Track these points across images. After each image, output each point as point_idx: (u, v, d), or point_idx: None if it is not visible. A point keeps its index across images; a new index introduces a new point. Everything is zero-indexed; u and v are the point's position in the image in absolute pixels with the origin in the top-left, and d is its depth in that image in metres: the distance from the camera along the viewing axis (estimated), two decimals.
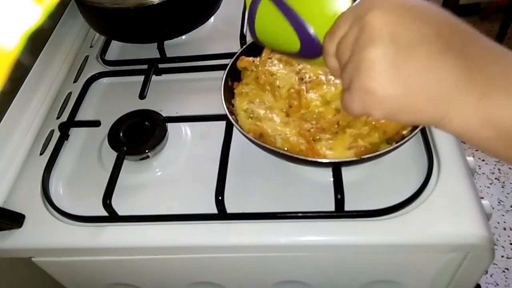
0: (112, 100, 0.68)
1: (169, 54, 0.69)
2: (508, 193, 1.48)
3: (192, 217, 0.50)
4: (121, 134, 0.57)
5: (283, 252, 0.51)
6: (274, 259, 0.53)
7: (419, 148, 0.53)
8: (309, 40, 0.35)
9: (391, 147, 0.46)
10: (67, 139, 0.62)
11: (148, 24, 0.66)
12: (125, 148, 0.55)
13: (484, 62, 0.28)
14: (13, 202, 0.56)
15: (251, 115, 0.54)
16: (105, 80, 0.71)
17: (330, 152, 0.49)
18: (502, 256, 1.34)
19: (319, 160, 0.47)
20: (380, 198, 0.49)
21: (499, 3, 1.83)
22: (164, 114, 0.59)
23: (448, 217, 0.47)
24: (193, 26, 0.69)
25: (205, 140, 0.59)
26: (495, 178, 1.52)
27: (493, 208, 1.44)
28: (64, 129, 0.62)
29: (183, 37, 0.74)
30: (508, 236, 1.38)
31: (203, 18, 0.71)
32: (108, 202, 0.50)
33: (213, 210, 0.49)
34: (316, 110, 0.52)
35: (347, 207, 0.47)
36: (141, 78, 0.66)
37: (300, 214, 0.49)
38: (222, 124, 0.55)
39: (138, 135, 0.57)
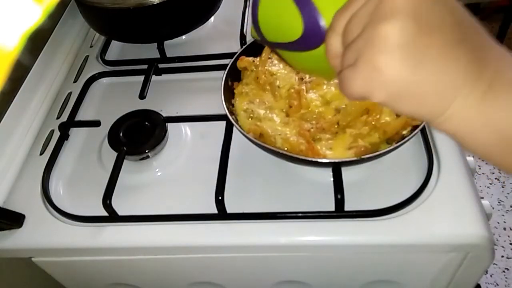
0: (112, 100, 0.68)
1: (169, 54, 0.69)
2: (508, 193, 1.48)
3: (192, 217, 0.50)
4: (121, 134, 0.57)
5: (283, 252, 0.51)
6: (274, 259, 0.53)
7: (419, 148, 0.53)
8: (313, 20, 0.33)
9: (391, 147, 0.46)
10: (67, 139, 0.62)
11: (148, 24, 0.66)
12: (125, 148, 0.55)
13: (495, 61, 0.27)
14: (13, 202, 0.56)
15: (251, 115, 0.54)
16: (105, 80, 0.71)
17: (330, 152, 0.49)
18: (502, 256, 1.34)
19: (319, 160, 0.47)
20: (380, 198, 0.49)
21: (499, 3, 1.83)
22: (164, 114, 0.59)
23: (448, 217, 0.47)
24: (193, 26, 0.69)
25: (205, 140, 0.59)
26: (495, 178, 1.52)
27: (493, 208, 1.44)
28: (64, 129, 0.62)
29: (183, 37, 0.74)
30: (508, 236, 1.38)
31: (203, 18, 0.71)
32: (108, 202, 0.50)
33: (213, 210, 0.49)
34: (316, 110, 0.52)
35: (347, 207, 0.47)
36: (141, 78, 0.66)
37: (300, 214, 0.49)
38: (222, 124, 0.55)
39: (138, 135, 0.57)
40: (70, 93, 0.69)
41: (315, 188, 0.51)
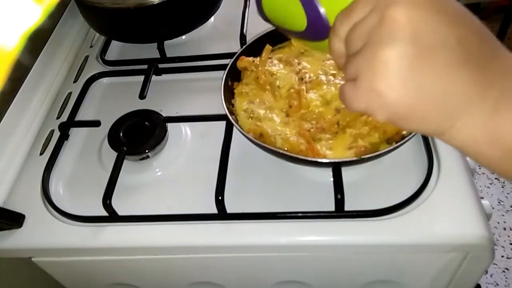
0: (112, 100, 0.68)
1: (169, 54, 0.69)
2: (508, 193, 1.48)
3: (192, 217, 0.50)
4: (121, 134, 0.57)
5: (283, 252, 0.51)
6: (274, 259, 0.53)
7: (419, 148, 0.53)
8: (317, 19, 0.33)
9: (391, 147, 0.46)
10: (67, 139, 0.62)
11: (148, 24, 0.66)
12: (125, 148, 0.55)
13: (502, 78, 0.26)
14: (13, 202, 0.56)
15: (251, 115, 0.54)
16: (105, 80, 0.71)
17: (330, 152, 0.49)
18: (502, 256, 1.34)
19: (319, 160, 0.47)
20: (380, 198, 0.49)
21: (499, 3, 1.83)
22: (164, 114, 0.59)
23: (448, 217, 0.47)
24: (193, 26, 0.69)
25: (205, 140, 0.59)
26: (495, 178, 1.52)
27: (493, 208, 1.44)
28: (64, 129, 0.62)
29: (183, 37, 0.74)
30: (508, 236, 1.38)
31: (203, 18, 0.71)
32: (108, 202, 0.50)
33: (213, 210, 0.49)
34: (316, 110, 0.52)
35: (347, 207, 0.47)
36: (141, 78, 0.66)
37: (300, 214, 0.49)
38: (222, 124, 0.55)
39: (138, 135, 0.57)
40: (70, 93, 0.69)
41: (315, 188, 0.51)
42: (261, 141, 0.49)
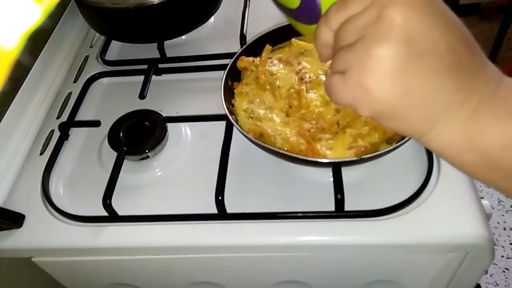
0: (112, 100, 0.68)
1: (169, 54, 0.69)
2: None
3: (192, 217, 0.50)
4: (121, 134, 0.57)
5: (283, 252, 0.51)
6: (274, 259, 0.53)
7: (419, 148, 0.53)
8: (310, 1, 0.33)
9: (391, 147, 0.46)
10: (67, 139, 0.62)
11: (148, 24, 0.66)
12: (125, 148, 0.55)
13: (483, 84, 0.27)
14: (13, 202, 0.56)
15: (251, 115, 0.54)
16: (105, 80, 0.71)
17: (330, 152, 0.49)
18: (502, 256, 1.34)
19: (319, 160, 0.47)
20: (380, 198, 0.49)
21: (499, 3, 1.83)
22: (164, 114, 0.59)
23: (448, 217, 0.47)
24: (193, 26, 0.69)
25: (205, 140, 0.59)
26: None
27: (493, 208, 1.44)
28: (64, 129, 0.62)
29: (183, 37, 0.74)
30: (508, 236, 1.39)
31: (203, 18, 0.71)
32: (108, 202, 0.50)
33: (213, 210, 0.49)
34: (316, 110, 0.52)
35: (347, 207, 0.47)
36: (141, 78, 0.66)
37: (300, 214, 0.49)
38: (222, 124, 0.55)
39: (138, 135, 0.57)
40: (70, 93, 0.69)
41: (315, 188, 0.51)
42: (261, 141, 0.49)
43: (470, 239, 0.45)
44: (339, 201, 0.47)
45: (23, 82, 0.63)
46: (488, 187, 1.49)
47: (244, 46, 0.60)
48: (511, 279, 1.30)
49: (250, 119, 0.54)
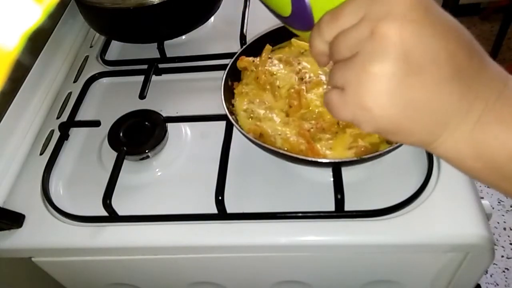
0: (112, 100, 0.68)
1: (169, 54, 0.69)
2: None
3: (192, 217, 0.50)
4: (121, 134, 0.57)
5: (283, 252, 0.51)
6: (274, 259, 0.53)
7: (419, 148, 0.53)
8: (302, 8, 0.32)
9: (391, 147, 0.46)
10: (67, 139, 0.62)
11: (148, 24, 0.66)
12: (125, 148, 0.55)
13: (487, 90, 0.26)
14: (13, 202, 0.56)
15: (251, 115, 0.54)
16: (105, 80, 0.71)
17: (330, 152, 0.49)
18: (502, 256, 1.34)
19: (319, 160, 0.47)
20: (380, 198, 0.49)
21: (499, 3, 1.83)
22: (164, 114, 0.59)
23: (448, 217, 0.47)
24: (193, 26, 0.69)
25: (205, 140, 0.59)
26: None
27: (493, 208, 1.44)
28: (64, 129, 0.62)
29: (183, 37, 0.74)
30: (508, 236, 1.39)
31: (203, 18, 0.71)
32: (108, 202, 0.50)
33: (213, 210, 0.49)
34: (316, 110, 0.52)
35: (347, 207, 0.47)
36: (141, 78, 0.66)
37: (300, 214, 0.49)
38: (222, 124, 0.55)
39: (138, 135, 0.57)
40: (70, 93, 0.69)
41: (315, 188, 0.51)
42: (261, 141, 0.49)
43: (470, 239, 0.45)
44: (339, 201, 0.47)
45: (23, 82, 0.63)
46: (488, 187, 1.49)
47: (244, 46, 0.60)
48: (511, 279, 1.30)
49: (250, 119, 0.54)
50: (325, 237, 0.48)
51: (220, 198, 0.48)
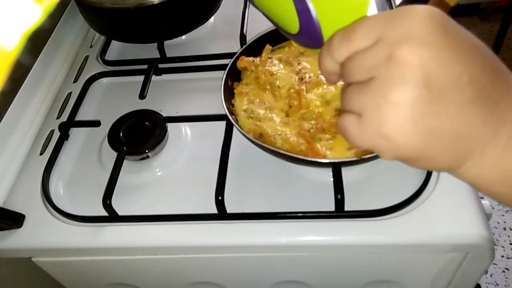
0: (112, 100, 0.68)
1: (169, 54, 0.69)
2: None
3: (192, 217, 0.50)
4: (121, 134, 0.57)
5: (283, 252, 0.51)
6: (274, 259, 0.53)
7: None
8: (310, 25, 0.31)
9: None
10: (67, 139, 0.62)
11: (148, 24, 0.66)
12: (125, 148, 0.55)
13: None
14: (13, 202, 0.56)
15: (251, 115, 0.54)
16: (105, 80, 0.71)
17: (330, 152, 0.49)
18: (502, 256, 1.34)
19: (319, 160, 0.47)
20: (380, 198, 0.49)
21: (499, 3, 1.83)
22: (164, 114, 0.59)
23: (448, 217, 0.47)
24: (193, 26, 0.69)
25: (205, 140, 0.59)
26: None
27: (493, 208, 1.43)
28: (64, 129, 0.62)
29: (183, 37, 0.74)
30: (508, 236, 1.39)
31: (203, 18, 0.71)
32: (108, 202, 0.50)
33: (213, 210, 0.49)
34: (316, 110, 0.52)
35: (347, 207, 0.47)
36: (141, 78, 0.66)
37: (300, 214, 0.49)
38: (222, 124, 0.55)
39: (138, 135, 0.57)
40: (70, 93, 0.69)
41: (315, 188, 0.51)
42: (261, 141, 0.49)
43: (470, 239, 0.45)
44: (339, 201, 0.47)
45: (23, 82, 0.63)
46: None
47: (244, 46, 0.60)
48: (511, 279, 1.30)
49: (250, 119, 0.54)
50: (325, 237, 0.48)
51: (220, 198, 0.48)
